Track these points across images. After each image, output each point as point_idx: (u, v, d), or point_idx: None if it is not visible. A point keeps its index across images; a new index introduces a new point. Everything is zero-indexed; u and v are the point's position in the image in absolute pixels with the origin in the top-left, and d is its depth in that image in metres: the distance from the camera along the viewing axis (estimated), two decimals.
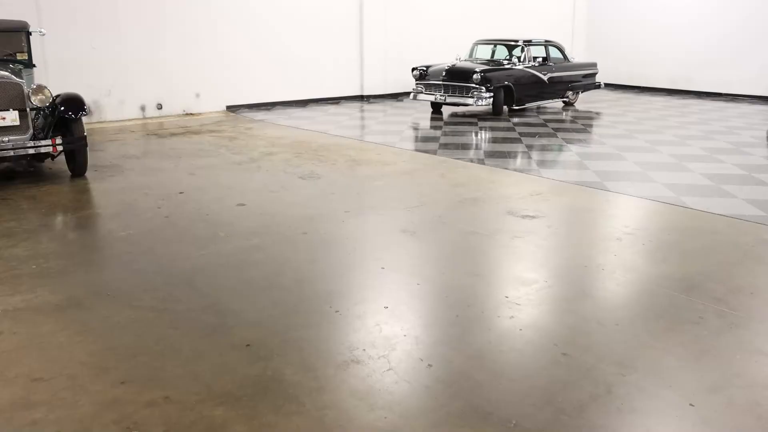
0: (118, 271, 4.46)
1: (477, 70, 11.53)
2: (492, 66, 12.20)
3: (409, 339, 3.48)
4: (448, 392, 2.98)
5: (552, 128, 10.93)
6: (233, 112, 12.49)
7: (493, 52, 13.36)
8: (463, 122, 11.52)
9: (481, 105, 11.50)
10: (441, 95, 11.86)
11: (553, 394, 2.96)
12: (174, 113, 11.94)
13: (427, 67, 12.34)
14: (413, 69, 12.24)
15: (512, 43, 12.89)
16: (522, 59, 12.53)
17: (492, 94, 11.59)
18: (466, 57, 13.03)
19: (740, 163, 8.11)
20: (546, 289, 4.16)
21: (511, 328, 3.63)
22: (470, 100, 11.56)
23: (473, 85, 11.47)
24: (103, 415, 2.77)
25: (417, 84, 12.31)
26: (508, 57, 12.91)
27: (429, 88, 12.09)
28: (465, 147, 9.16)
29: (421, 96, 12.28)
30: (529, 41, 12.80)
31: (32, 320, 3.67)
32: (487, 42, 13.32)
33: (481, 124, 11.34)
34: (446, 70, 11.87)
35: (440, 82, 11.86)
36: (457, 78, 11.75)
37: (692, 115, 12.82)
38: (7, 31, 7.49)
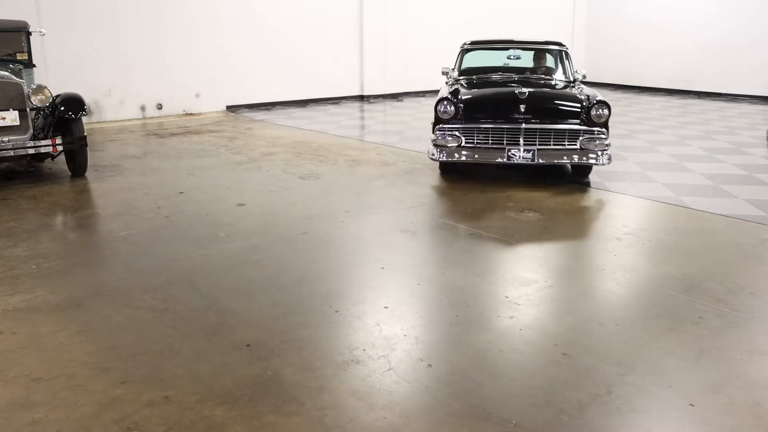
0: (118, 271, 4.46)
1: (590, 98, 6.72)
2: (554, 86, 7.44)
3: (409, 339, 3.48)
4: (448, 392, 2.98)
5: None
6: (233, 112, 12.49)
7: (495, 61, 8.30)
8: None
9: (603, 162, 6.56)
10: (522, 152, 6.43)
11: (553, 394, 2.96)
12: (174, 113, 11.94)
13: (456, 94, 6.88)
14: (441, 101, 6.73)
15: (543, 47, 8.20)
16: (564, 72, 7.89)
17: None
18: (456, 67, 8.02)
19: (740, 163, 8.10)
20: (546, 289, 4.16)
21: (511, 328, 3.62)
22: (577, 155, 6.52)
23: (585, 127, 6.51)
24: (103, 415, 2.77)
25: (448, 130, 6.64)
26: (537, 68, 8.14)
27: (476, 136, 6.59)
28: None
29: (459, 154, 6.61)
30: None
31: (32, 320, 3.67)
32: (490, 46, 8.24)
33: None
34: (524, 101, 6.55)
35: (513, 126, 6.47)
36: (544, 114, 6.59)
37: (692, 115, 12.82)
38: (7, 31, 7.49)
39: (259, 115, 12.17)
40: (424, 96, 14.91)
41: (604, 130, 6.56)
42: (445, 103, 6.72)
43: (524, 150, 6.45)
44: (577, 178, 7.04)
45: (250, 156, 8.30)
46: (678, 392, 2.99)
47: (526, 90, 6.72)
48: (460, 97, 6.82)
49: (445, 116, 6.68)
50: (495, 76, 7.76)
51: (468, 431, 2.70)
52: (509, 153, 6.46)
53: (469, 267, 4.55)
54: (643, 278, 4.40)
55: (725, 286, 4.22)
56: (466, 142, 6.60)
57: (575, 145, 6.50)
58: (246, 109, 12.72)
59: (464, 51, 8.21)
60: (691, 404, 2.90)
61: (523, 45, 8.15)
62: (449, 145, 6.62)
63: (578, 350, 3.37)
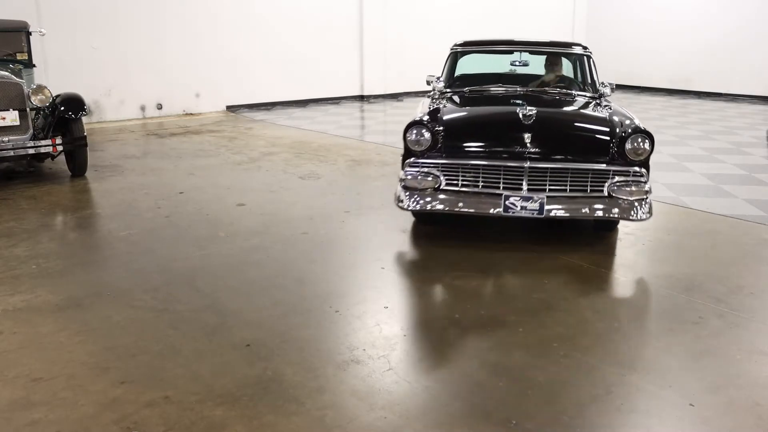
0: (118, 271, 4.46)
1: (624, 124, 4.85)
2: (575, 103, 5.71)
3: (409, 339, 3.48)
4: (448, 392, 2.98)
5: None
6: (233, 112, 12.49)
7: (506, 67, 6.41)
8: None
9: (641, 217, 4.62)
10: (525, 201, 4.56)
11: (553, 394, 2.96)
12: (174, 113, 11.94)
13: (435, 116, 5.01)
14: (412, 126, 4.82)
15: (559, 49, 6.33)
16: (587, 84, 6.03)
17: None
18: (445, 76, 6.26)
19: (740, 163, 8.10)
20: (546, 289, 4.15)
21: (511, 327, 3.62)
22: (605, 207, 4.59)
23: (617, 166, 4.63)
24: (103, 415, 2.77)
25: (422, 167, 4.76)
26: (551, 78, 6.18)
27: (461, 175, 4.69)
28: None
29: (437, 201, 4.71)
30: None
31: (32, 320, 3.67)
32: (488, 47, 6.47)
33: None
34: (530, 126, 4.71)
35: (513, 163, 4.60)
36: (558, 147, 4.74)
37: (692, 115, 12.82)
38: (7, 31, 7.49)
39: (259, 115, 12.17)
40: (424, 96, 14.90)
41: (643, 170, 4.62)
42: (419, 129, 4.77)
43: (528, 198, 4.56)
44: (600, 231, 5.28)
45: (250, 156, 8.30)
46: (678, 392, 2.99)
47: (532, 110, 4.81)
48: (440, 118, 4.94)
49: (418, 147, 4.75)
50: (494, 89, 5.89)
51: (468, 431, 2.70)
52: (507, 202, 4.57)
53: (469, 267, 4.54)
54: (643, 278, 4.40)
55: (725, 286, 4.22)
56: (447, 184, 4.70)
57: (602, 191, 4.60)
58: (246, 109, 12.72)
59: (455, 54, 6.30)
60: (691, 404, 2.90)
61: (533, 47, 6.25)
62: (423, 187, 4.72)
63: (578, 350, 3.37)
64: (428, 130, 4.79)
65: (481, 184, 4.68)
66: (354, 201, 6.24)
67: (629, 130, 4.69)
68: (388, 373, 3.13)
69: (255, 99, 13.01)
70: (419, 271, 4.47)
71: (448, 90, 6.00)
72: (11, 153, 6.55)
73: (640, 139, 4.64)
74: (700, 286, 4.22)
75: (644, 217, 4.61)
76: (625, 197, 4.58)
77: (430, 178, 4.71)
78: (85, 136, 7.00)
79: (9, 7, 9.39)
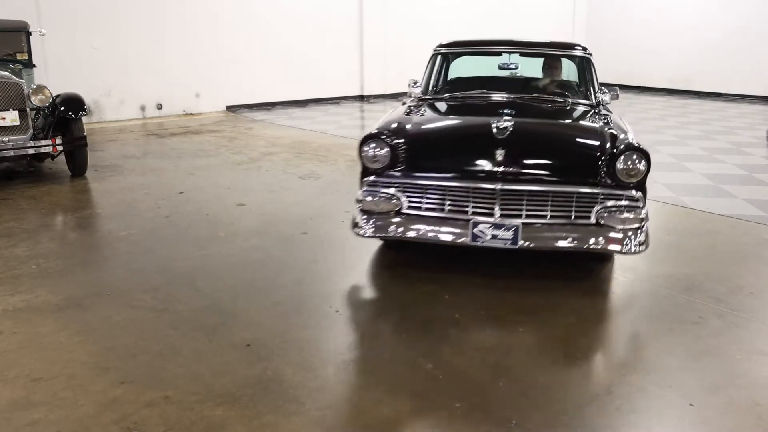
0: (118, 271, 4.46)
1: (616, 139, 4.20)
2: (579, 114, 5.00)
3: (409, 339, 3.48)
4: (448, 392, 2.98)
5: None
6: (233, 112, 12.49)
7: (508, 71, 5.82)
8: None
9: (633, 250, 4.00)
10: (497, 228, 3.93)
11: (553, 394, 2.96)
12: (174, 113, 11.94)
13: (398, 127, 4.37)
14: (367, 140, 4.21)
15: (554, 51, 5.72)
16: (588, 90, 5.35)
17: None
18: (425, 81, 5.83)
19: (740, 163, 8.10)
20: (546, 290, 4.15)
21: (511, 327, 3.62)
22: (598, 240, 3.97)
23: (606, 189, 3.99)
24: (103, 415, 2.77)
25: (382, 186, 4.16)
26: (547, 83, 5.68)
27: (425, 197, 4.10)
28: None
29: (395, 226, 4.11)
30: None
31: (32, 320, 3.67)
32: (476, 49, 5.96)
33: None
34: (503, 141, 4.07)
35: (482, 184, 3.98)
36: (535, 165, 4.11)
37: (692, 115, 12.82)
38: (7, 31, 7.49)
39: (259, 115, 12.18)
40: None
41: (638, 195, 3.99)
42: (377, 143, 4.18)
43: (500, 225, 3.93)
44: (592, 263, 4.62)
45: (250, 156, 8.30)
46: (678, 392, 2.99)
47: (509, 122, 4.21)
48: (403, 130, 4.33)
49: (376, 165, 4.18)
50: (478, 96, 5.25)
51: (468, 431, 2.70)
52: (475, 230, 3.95)
53: (469, 267, 4.54)
54: (643, 278, 4.40)
55: (725, 286, 4.22)
56: (410, 206, 4.11)
57: (588, 217, 3.98)
58: (246, 109, 12.72)
59: (437, 56, 5.71)
60: (691, 404, 2.90)
61: (525, 48, 5.67)
62: (382, 210, 4.13)
63: (578, 350, 3.37)
64: (387, 144, 4.17)
65: (447, 207, 4.06)
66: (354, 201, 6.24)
67: (621, 147, 4.06)
68: (388, 373, 3.13)
69: (255, 99, 13.01)
70: (419, 271, 4.46)
71: (429, 96, 5.44)
72: (11, 153, 6.55)
73: (635, 157, 3.99)
74: (700, 286, 4.22)
75: (637, 249, 4.00)
76: (615, 225, 3.95)
77: (391, 201, 4.11)
78: (85, 136, 7.00)
79: (9, 7, 9.39)
